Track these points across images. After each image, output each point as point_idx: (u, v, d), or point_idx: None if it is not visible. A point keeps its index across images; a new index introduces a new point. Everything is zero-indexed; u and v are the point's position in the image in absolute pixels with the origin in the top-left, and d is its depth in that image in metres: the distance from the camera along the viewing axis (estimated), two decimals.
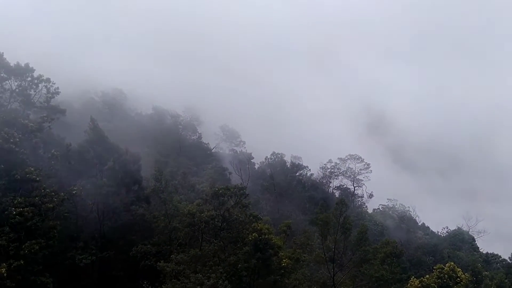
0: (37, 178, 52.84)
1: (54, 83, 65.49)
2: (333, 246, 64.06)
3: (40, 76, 65.40)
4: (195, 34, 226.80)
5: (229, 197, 58.02)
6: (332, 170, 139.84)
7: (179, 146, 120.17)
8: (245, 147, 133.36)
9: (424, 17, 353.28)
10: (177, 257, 51.58)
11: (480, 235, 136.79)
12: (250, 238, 51.33)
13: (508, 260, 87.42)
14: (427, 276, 70.05)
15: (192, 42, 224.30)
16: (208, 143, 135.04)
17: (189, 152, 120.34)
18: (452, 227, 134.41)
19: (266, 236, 51.32)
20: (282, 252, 54.60)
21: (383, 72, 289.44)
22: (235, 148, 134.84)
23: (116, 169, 62.84)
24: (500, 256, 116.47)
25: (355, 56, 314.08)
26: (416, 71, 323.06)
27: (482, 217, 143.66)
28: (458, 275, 67.52)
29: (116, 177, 62.21)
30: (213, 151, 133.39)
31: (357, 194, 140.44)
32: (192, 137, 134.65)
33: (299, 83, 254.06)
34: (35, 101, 65.35)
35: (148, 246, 57.65)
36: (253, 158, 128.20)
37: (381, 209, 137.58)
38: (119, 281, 58.44)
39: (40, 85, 65.36)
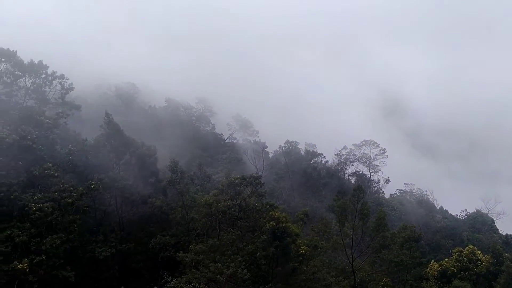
0: (55, 174, 53.75)
1: (68, 79, 66.19)
2: (351, 232, 63.90)
3: (54, 72, 66.46)
4: (207, 27, 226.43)
5: (245, 187, 58.34)
6: (347, 157, 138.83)
7: (194, 137, 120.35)
8: (258, 137, 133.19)
9: None
10: (196, 247, 51.86)
11: (499, 217, 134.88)
12: (268, 227, 51.52)
13: None
14: (446, 259, 70.04)
15: (204, 35, 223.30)
16: (222, 134, 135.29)
17: (203, 143, 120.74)
18: (471, 210, 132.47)
19: (284, 224, 51.46)
20: (299, 240, 54.77)
21: (398, 54, 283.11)
22: (249, 137, 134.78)
23: (133, 162, 63.38)
24: None
25: (369, 40, 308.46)
26: (431, 53, 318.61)
27: (501, 198, 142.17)
28: (479, 257, 67.33)
29: (133, 170, 62.78)
30: (227, 141, 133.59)
31: (373, 180, 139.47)
32: (206, 128, 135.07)
33: (312, 71, 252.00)
34: (50, 97, 66.26)
35: (167, 237, 58.11)
36: (267, 147, 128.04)
37: (398, 194, 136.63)
38: (139, 273, 58.94)
39: (54, 81, 66.49)
